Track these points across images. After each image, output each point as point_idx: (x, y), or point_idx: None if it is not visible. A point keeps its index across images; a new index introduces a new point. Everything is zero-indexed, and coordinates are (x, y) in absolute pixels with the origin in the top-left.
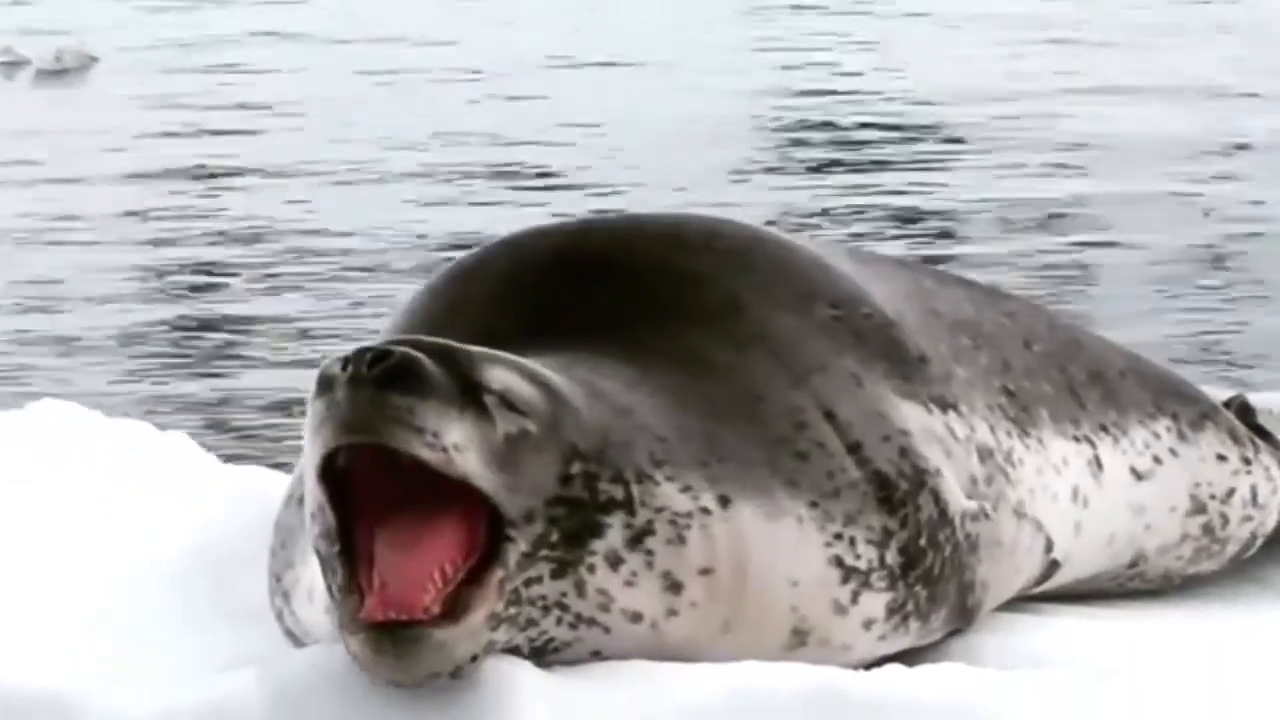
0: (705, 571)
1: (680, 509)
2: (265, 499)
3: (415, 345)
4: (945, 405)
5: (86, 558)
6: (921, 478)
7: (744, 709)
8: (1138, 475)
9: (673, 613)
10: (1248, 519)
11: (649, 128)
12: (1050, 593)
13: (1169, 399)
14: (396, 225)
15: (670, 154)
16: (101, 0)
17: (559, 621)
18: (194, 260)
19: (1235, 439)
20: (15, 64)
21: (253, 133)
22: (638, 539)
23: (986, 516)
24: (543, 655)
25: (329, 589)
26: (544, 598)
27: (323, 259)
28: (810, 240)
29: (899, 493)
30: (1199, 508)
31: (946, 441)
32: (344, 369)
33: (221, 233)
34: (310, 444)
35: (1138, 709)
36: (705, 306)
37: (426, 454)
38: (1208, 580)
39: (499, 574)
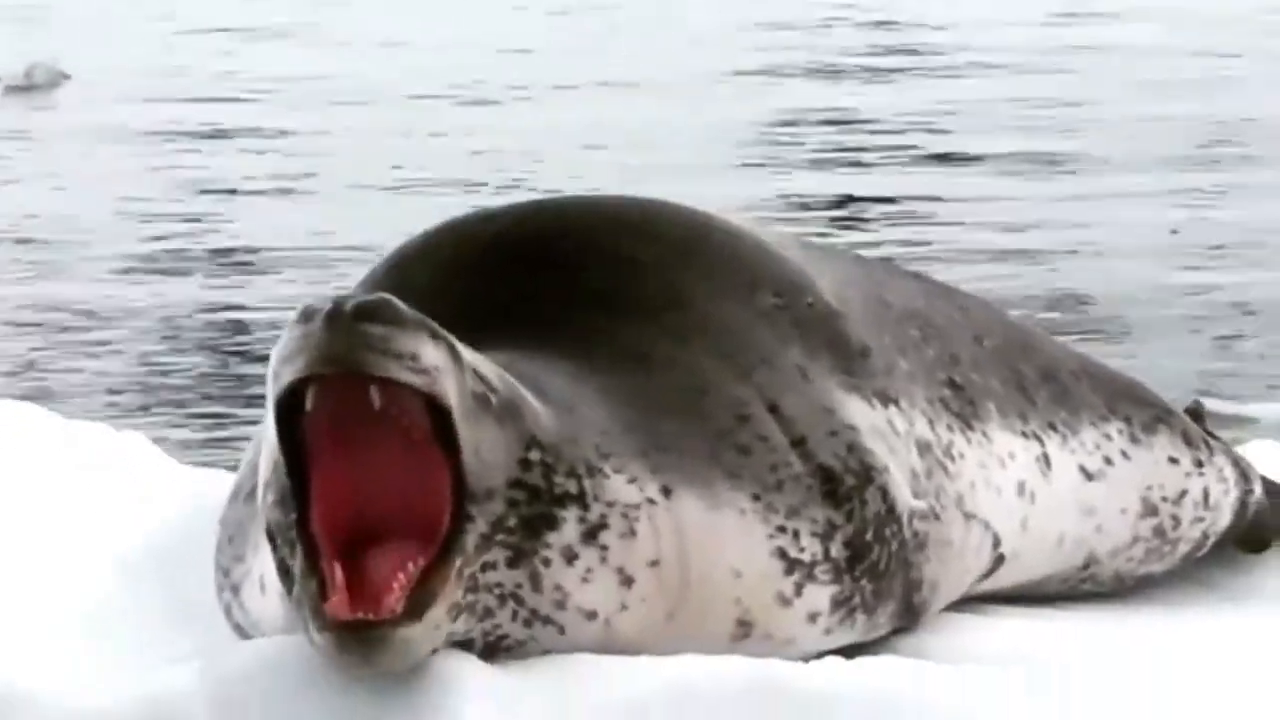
0: (653, 564)
1: (629, 500)
2: (220, 500)
3: None
4: (887, 400)
5: (34, 554)
6: (869, 474)
7: (686, 701)
8: (1088, 475)
9: (624, 607)
10: (1199, 520)
11: None
12: (1001, 594)
13: (1122, 402)
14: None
15: None
16: (87, 20)
17: (514, 616)
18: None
19: (1189, 441)
20: None
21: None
22: (592, 534)
23: (936, 517)
24: (495, 654)
25: (280, 569)
26: (500, 585)
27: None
28: (760, 226)
29: (844, 487)
30: (1150, 510)
31: (889, 438)
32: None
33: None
34: (276, 376)
35: (1078, 702)
36: (646, 297)
37: (408, 377)
38: (1158, 581)
39: (458, 561)
